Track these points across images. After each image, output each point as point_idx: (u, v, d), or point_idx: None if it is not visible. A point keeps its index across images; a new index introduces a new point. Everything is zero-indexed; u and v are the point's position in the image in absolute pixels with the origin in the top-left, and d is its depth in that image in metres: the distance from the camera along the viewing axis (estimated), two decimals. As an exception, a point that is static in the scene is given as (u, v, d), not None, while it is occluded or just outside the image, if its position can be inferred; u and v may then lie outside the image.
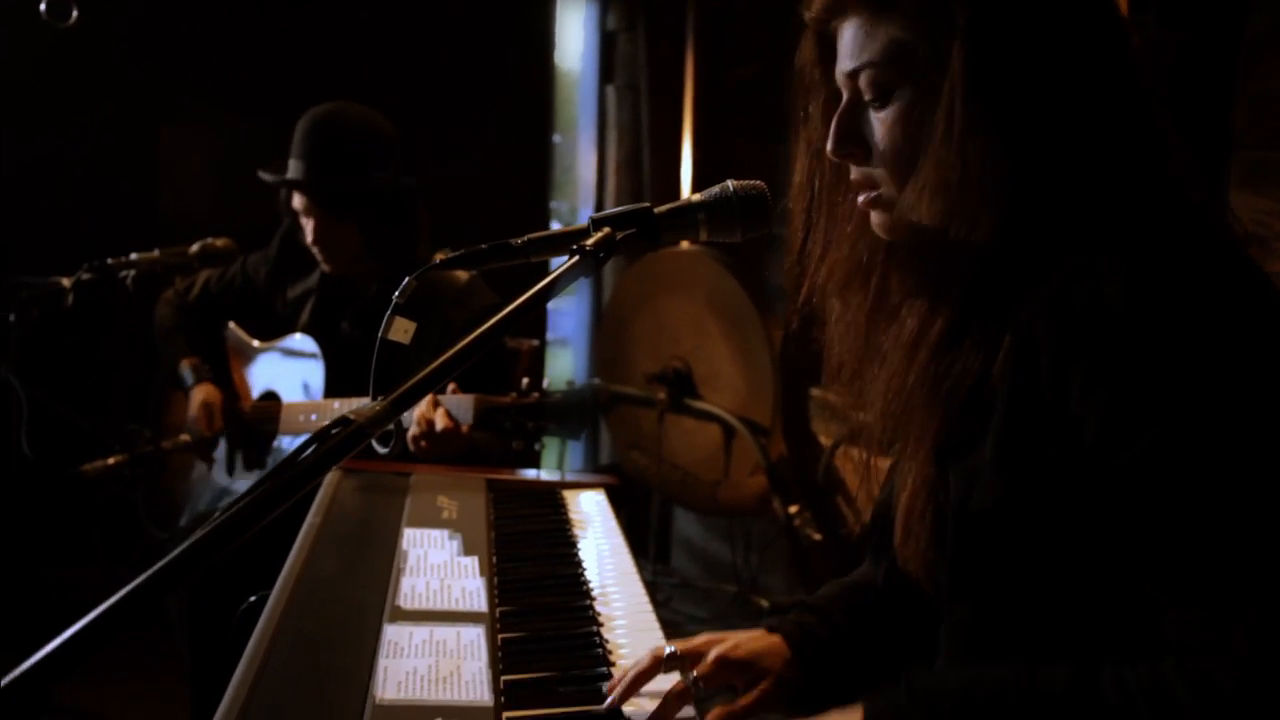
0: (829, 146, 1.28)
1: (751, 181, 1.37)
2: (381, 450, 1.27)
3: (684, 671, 1.43)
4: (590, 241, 1.31)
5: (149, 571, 0.90)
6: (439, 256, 2.87)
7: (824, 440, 3.64)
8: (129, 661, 3.88)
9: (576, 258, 1.29)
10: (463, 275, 2.88)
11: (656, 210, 1.36)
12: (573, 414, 2.40)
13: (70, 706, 3.54)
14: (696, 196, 1.38)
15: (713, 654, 1.44)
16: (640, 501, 4.50)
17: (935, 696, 1.14)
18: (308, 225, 2.80)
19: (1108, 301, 1.09)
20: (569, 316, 5.20)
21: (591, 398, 3.48)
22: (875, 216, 1.30)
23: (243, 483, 2.98)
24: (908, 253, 1.26)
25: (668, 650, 1.43)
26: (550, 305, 5.12)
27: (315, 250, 2.82)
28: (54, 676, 0.82)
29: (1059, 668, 1.10)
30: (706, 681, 1.41)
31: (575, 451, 4.82)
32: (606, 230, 1.33)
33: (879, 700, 1.17)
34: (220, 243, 2.95)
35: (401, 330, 1.36)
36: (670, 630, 1.57)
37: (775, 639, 1.49)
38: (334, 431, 1.03)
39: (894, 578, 1.41)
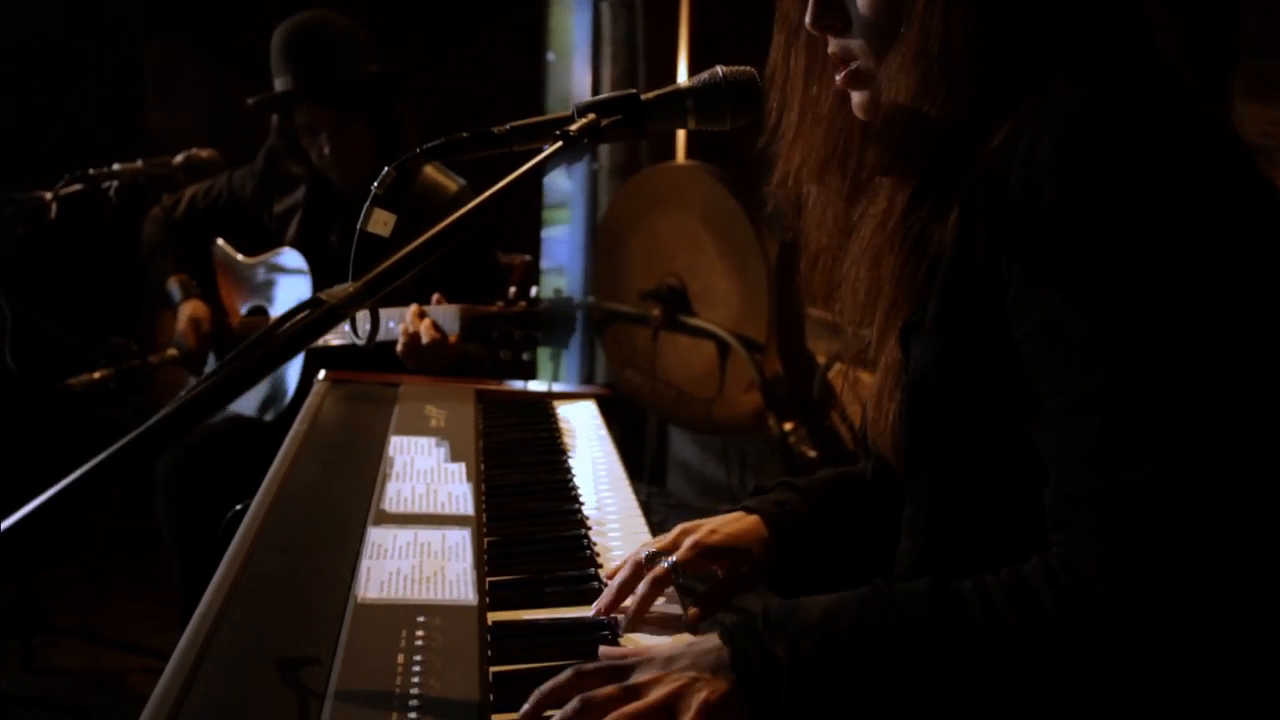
0: (808, 18, 1.24)
1: (741, 67, 1.33)
2: (359, 341, 1.24)
3: (663, 556, 1.40)
4: (574, 127, 1.27)
5: (123, 440, 0.87)
6: (429, 169, 2.84)
7: (819, 357, 3.61)
8: (125, 582, 3.92)
9: (560, 143, 1.25)
10: (453, 186, 2.85)
11: (644, 96, 1.32)
12: (560, 322, 2.37)
13: (68, 626, 3.55)
14: (685, 83, 1.34)
15: (689, 541, 1.41)
16: (636, 423, 4.48)
17: (794, 624, 1.07)
18: (320, 140, 2.77)
19: (1039, 157, 1.05)
20: (563, 244, 5.15)
21: (578, 307, 3.45)
22: (855, 97, 1.27)
23: (236, 402, 2.95)
24: (883, 127, 1.22)
25: (645, 553, 1.40)
26: (545, 232, 5.13)
27: (332, 162, 2.78)
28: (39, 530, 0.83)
29: (919, 583, 1.07)
30: (687, 568, 1.39)
31: (570, 373, 4.79)
32: (591, 116, 1.29)
33: (737, 629, 1.10)
34: (205, 153, 2.90)
35: (381, 222, 1.32)
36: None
37: (753, 519, 1.46)
38: (306, 312, 0.99)
39: (883, 470, 1.38)
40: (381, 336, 2.53)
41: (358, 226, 1.31)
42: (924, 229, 1.19)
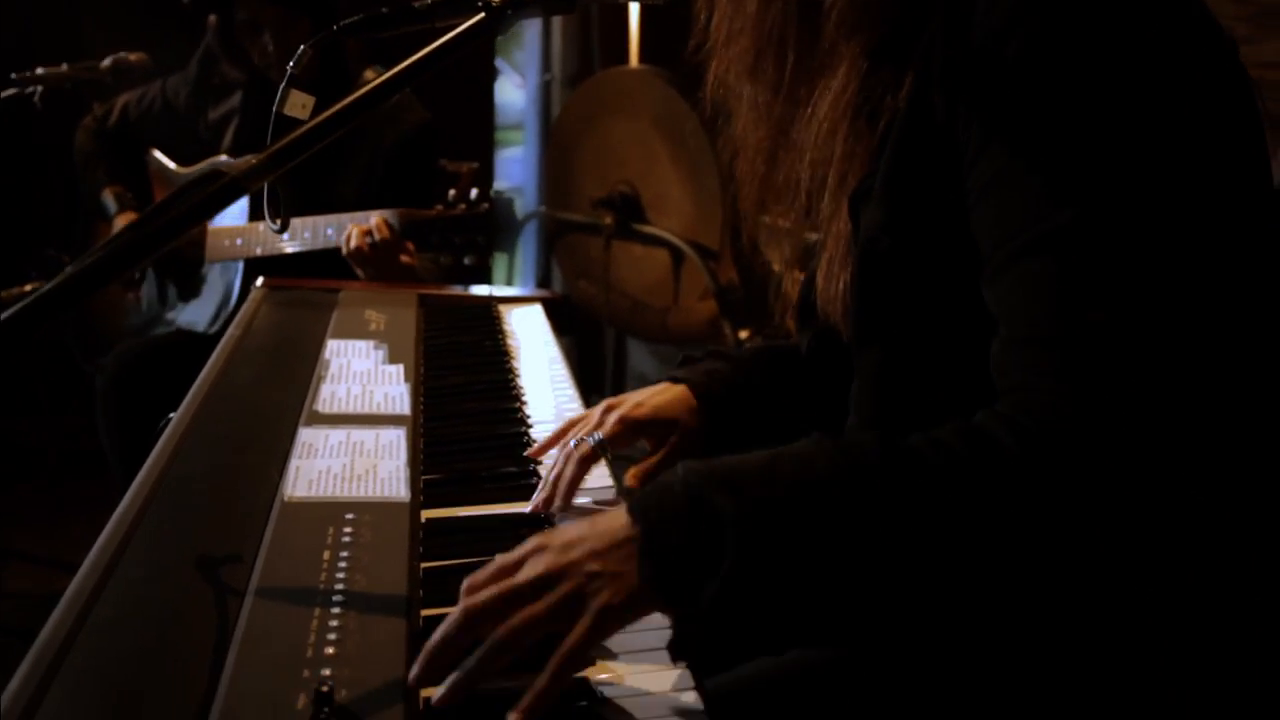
0: None
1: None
2: (274, 228, 1.19)
3: (589, 434, 1.37)
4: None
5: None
6: (369, 73, 2.75)
7: (774, 264, 3.56)
8: (77, 505, 3.86)
9: (482, 14, 1.18)
10: (394, 91, 2.76)
11: (571, -36, 1.26)
12: (501, 224, 2.31)
13: (19, 550, 3.50)
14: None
15: (614, 416, 1.38)
16: (594, 337, 4.43)
17: (728, 480, 0.94)
18: (263, 38, 2.67)
19: (1001, 9, 1.01)
20: (518, 163, 5.06)
21: (532, 215, 3.38)
22: None
23: (175, 312, 2.88)
24: None
25: (573, 440, 1.36)
26: (499, 153, 5.03)
27: (275, 62, 2.69)
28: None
29: (865, 435, 1.00)
30: (615, 444, 1.36)
31: (525, 285, 4.73)
32: (516, -14, 1.22)
33: (647, 501, 0.96)
34: (134, 57, 2.80)
35: (299, 104, 1.25)
36: (624, 464, 1.48)
37: (680, 389, 1.42)
38: (207, 187, 0.93)
39: (818, 345, 1.34)
40: (319, 244, 2.47)
41: (273, 109, 1.25)
42: (879, 95, 1.14)
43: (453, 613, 0.96)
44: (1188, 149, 0.98)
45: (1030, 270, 0.99)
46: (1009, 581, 0.96)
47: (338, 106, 1.04)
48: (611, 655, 1.05)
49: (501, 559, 0.99)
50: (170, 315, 2.90)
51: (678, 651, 0.98)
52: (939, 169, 1.07)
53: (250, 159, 0.96)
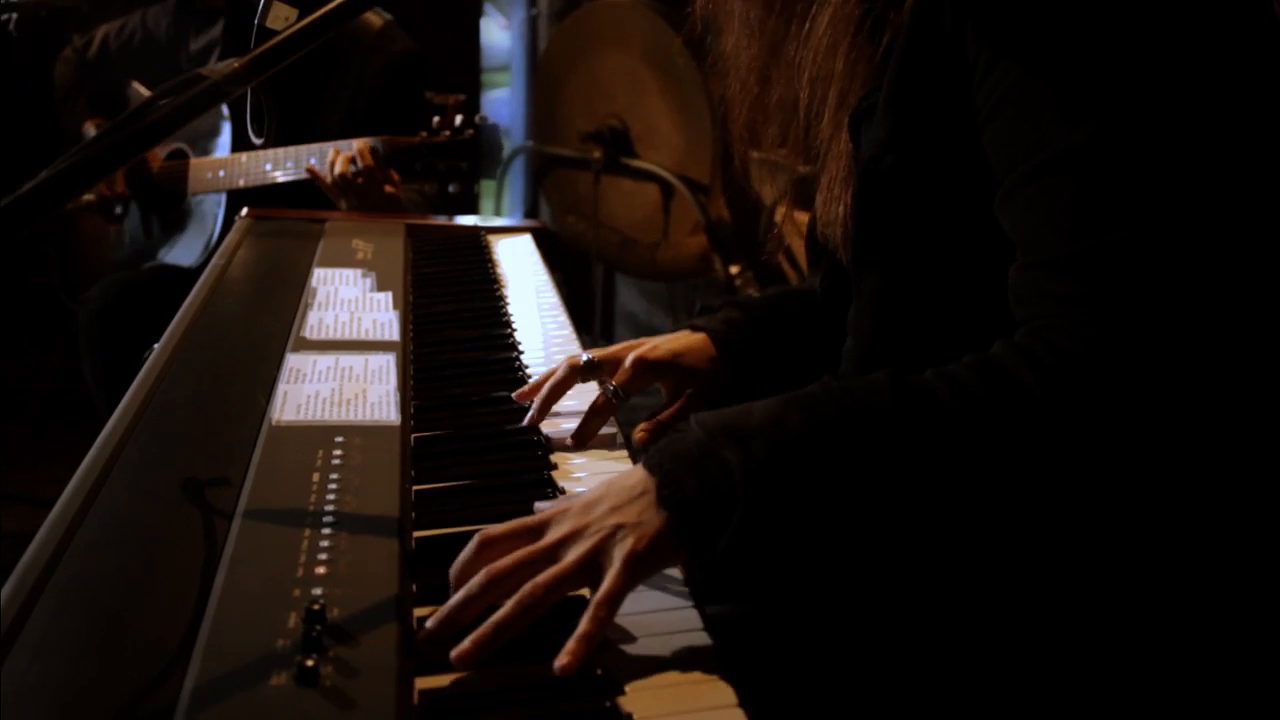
0: None
1: None
2: (257, 141, 1.15)
3: (601, 381, 1.34)
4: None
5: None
6: None
7: (766, 199, 3.52)
8: (62, 446, 3.83)
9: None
10: (377, 20, 2.71)
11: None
12: (486, 151, 2.28)
13: (5, 490, 3.48)
14: None
15: (630, 357, 1.35)
16: (583, 275, 4.40)
17: (735, 431, 0.92)
18: None
19: None
20: (505, 105, 5.00)
21: (524, 148, 3.33)
22: None
23: (160, 248, 2.84)
24: None
25: (584, 358, 1.34)
26: (486, 95, 4.96)
27: None
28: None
29: (875, 375, 0.96)
30: (627, 388, 1.32)
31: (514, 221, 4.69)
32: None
33: (661, 456, 0.94)
34: (113, -14, 2.74)
35: (281, 17, 1.21)
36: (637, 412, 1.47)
37: (699, 337, 1.39)
38: (188, 90, 0.90)
39: (831, 284, 1.31)
40: (303, 174, 2.43)
41: (255, 21, 1.21)
42: (882, 9, 1.11)
43: (472, 573, 0.93)
44: (1206, 62, 0.95)
45: (1046, 191, 0.95)
46: (1029, 522, 0.93)
47: (320, 12, 1.00)
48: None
49: (519, 522, 0.97)
50: (155, 250, 2.86)
51: (701, 592, 0.98)
52: (945, 85, 1.04)
53: (232, 62, 0.93)
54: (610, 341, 4.72)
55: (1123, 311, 0.89)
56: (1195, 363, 0.88)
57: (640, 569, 0.91)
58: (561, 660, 0.87)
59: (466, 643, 0.89)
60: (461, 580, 0.94)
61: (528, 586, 0.90)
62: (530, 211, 4.53)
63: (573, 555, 0.92)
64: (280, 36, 0.96)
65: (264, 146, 1.06)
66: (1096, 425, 0.89)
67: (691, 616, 0.97)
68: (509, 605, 0.90)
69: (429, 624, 0.92)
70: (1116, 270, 0.89)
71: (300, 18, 1.14)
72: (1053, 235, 0.94)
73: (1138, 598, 1.03)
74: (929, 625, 1.09)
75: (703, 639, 0.94)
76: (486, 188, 4.43)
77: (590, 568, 0.91)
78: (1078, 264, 0.91)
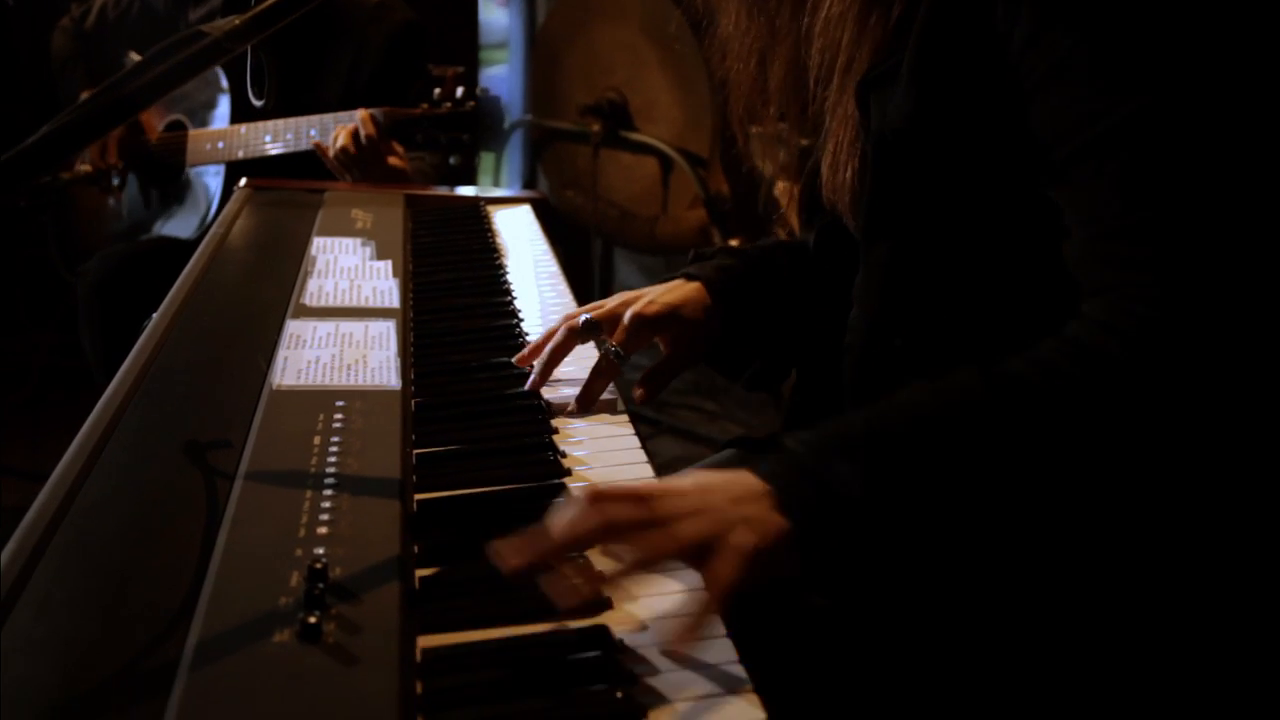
0: None
1: None
2: (257, 103, 1.15)
3: (599, 342, 1.34)
4: None
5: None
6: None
7: (766, 172, 3.51)
8: (61, 420, 3.83)
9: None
10: (376, -12, 2.70)
11: None
12: (487, 122, 2.27)
13: (7, 465, 3.48)
14: None
15: (628, 315, 1.34)
16: (581, 250, 4.39)
17: (841, 443, 0.92)
18: None
19: None
20: (503, 81, 4.97)
21: (522, 122, 3.32)
22: None
23: (159, 221, 2.83)
24: None
25: (582, 319, 1.34)
26: (484, 73, 4.94)
27: None
28: None
29: (960, 371, 0.95)
30: (626, 347, 1.32)
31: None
32: None
33: (774, 465, 0.93)
34: (108, -47, 2.72)
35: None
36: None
37: (694, 286, 1.38)
38: (189, 46, 0.89)
39: (825, 241, 1.31)
40: (302, 146, 2.42)
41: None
42: None
43: (590, 518, 0.89)
44: (1256, 27, 0.94)
45: (1105, 162, 0.94)
46: (1137, 488, 0.93)
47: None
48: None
49: (633, 485, 0.95)
50: (153, 222, 2.85)
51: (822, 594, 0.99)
52: (971, 57, 1.02)
53: (233, 19, 0.92)
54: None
55: (1198, 274, 0.88)
56: (1266, 316, 0.88)
57: (758, 564, 0.88)
58: (676, 638, 0.86)
59: (570, 587, 0.89)
60: (563, 521, 0.90)
61: (647, 548, 0.88)
62: (529, 185, 4.52)
63: (690, 530, 0.89)
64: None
65: (264, 109, 1.06)
66: (1185, 384, 0.88)
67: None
68: (630, 560, 0.89)
69: (514, 556, 0.88)
70: (1181, 233, 0.89)
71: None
72: (1116, 205, 0.93)
73: (1162, 590, 1.03)
74: (946, 620, 1.08)
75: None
76: (485, 162, 4.42)
77: (704, 548, 0.88)
78: (1143, 230, 0.90)
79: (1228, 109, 0.91)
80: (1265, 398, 0.89)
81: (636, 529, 0.89)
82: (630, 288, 4.30)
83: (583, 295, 4.42)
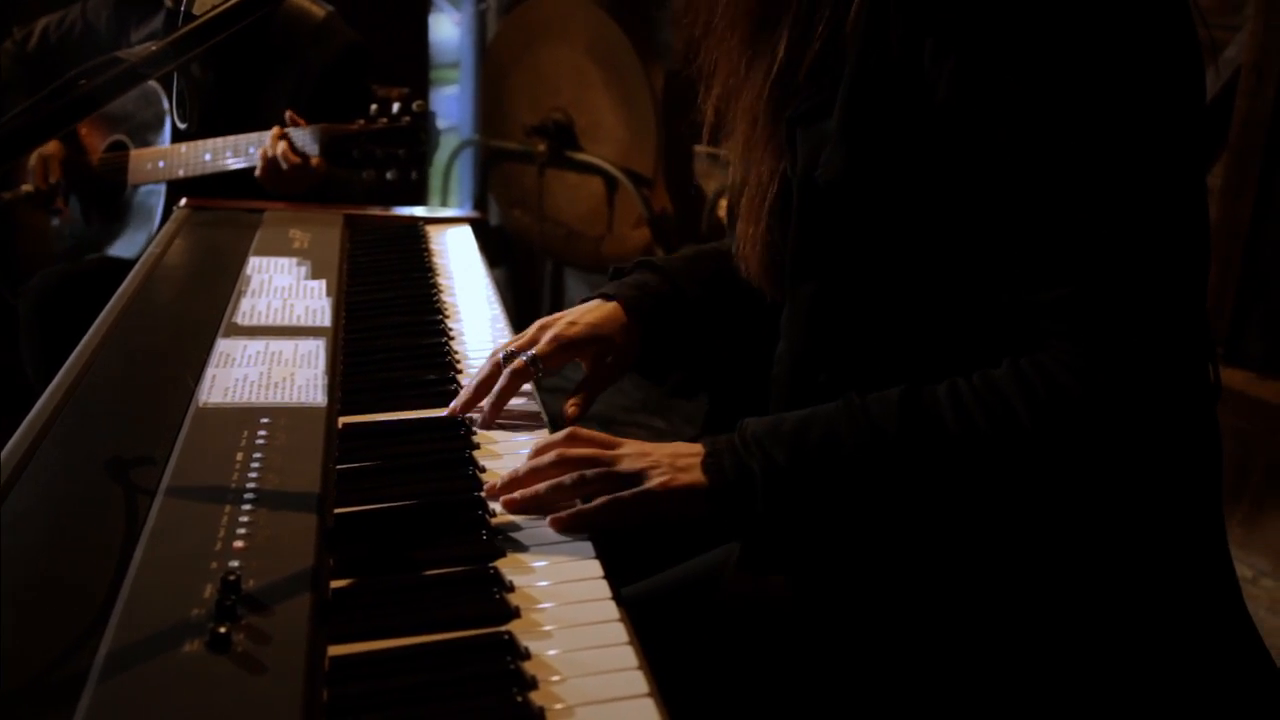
0: None
1: None
2: (181, 126, 1.17)
3: (524, 352, 1.36)
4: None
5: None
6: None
7: (707, 191, 3.56)
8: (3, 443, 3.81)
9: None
10: (319, 12, 2.72)
11: None
12: (423, 138, 2.29)
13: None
14: None
15: (547, 335, 1.36)
16: (531, 268, 4.41)
17: (770, 438, 1.07)
18: None
19: None
20: (455, 100, 5.00)
21: (462, 134, 3.33)
22: None
23: (106, 242, 2.84)
24: None
25: (503, 353, 1.36)
26: (437, 91, 4.96)
27: None
28: None
29: (891, 393, 1.05)
30: (547, 362, 1.34)
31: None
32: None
33: (719, 441, 1.10)
34: (48, -25, 2.73)
35: (209, 3, 1.23)
36: (561, 395, 1.48)
37: (611, 306, 1.41)
38: (104, 72, 0.91)
39: None
40: (245, 163, 2.44)
41: (180, 8, 1.22)
42: (818, 28, 1.11)
43: (550, 452, 1.14)
44: (1163, 95, 0.99)
45: (1040, 231, 1.00)
46: (1012, 528, 1.07)
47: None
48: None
49: (604, 435, 1.17)
50: (97, 242, 2.85)
51: (741, 563, 1.17)
52: (899, 105, 1.05)
53: (150, 45, 0.95)
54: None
55: (1114, 348, 0.97)
56: (1171, 396, 0.98)
57: (667, 496, 1.09)
58: (552, 520, 1.09)
59: (517, 494, 1.11)
60: (539, 453, 1.15)
61: (592, 471, 1.11)
62: (479, 205, 4.54)
63: (628, 465, 1.12)
64: (198, 21, 0.97)
65: (188, 132, 1.08)
66: (1079, 456, 0.99)
67: (602, 590, 1.02)
68: (570, 476, 1.11)
69: (497, 482, 1.14)
70: (1109, 311, 0.97)
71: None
72: (1051, 269, 0.99)
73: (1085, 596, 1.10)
74: (901, 621, 1.14)
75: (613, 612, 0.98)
76: (434, 181, 4.44)
77: (635, 478, 1.10)
78: (1074, 303, 0.98)
79: (1157, 199, 0.97)
80: (1141, 469, 1.01)
81: (583, 461, 1.12)
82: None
83: (532, 314, 4.43)
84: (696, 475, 1.09)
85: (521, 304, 4.40)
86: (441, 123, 4.96)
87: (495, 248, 4.20)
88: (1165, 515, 1.09)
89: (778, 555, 1.12)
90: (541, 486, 1.11)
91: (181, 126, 1.14)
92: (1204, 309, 1.02)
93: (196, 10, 1.20)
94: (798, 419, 1.08)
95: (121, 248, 2.78)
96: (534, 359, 1.33)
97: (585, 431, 1.16)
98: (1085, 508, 1.05)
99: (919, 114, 1.04)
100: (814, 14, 1.12)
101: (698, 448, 1.11)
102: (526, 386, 1.36)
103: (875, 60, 1.06)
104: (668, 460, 1.11)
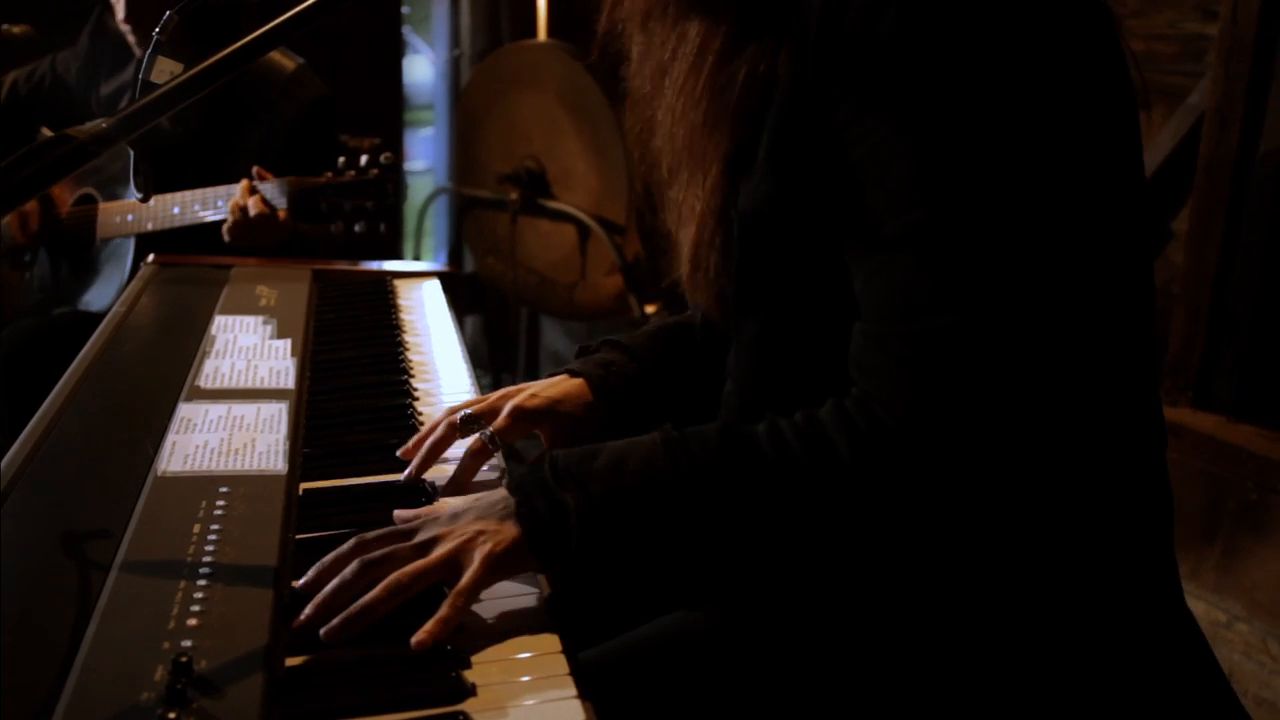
0: None
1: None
2: (138, 195, 1.17)
3: (481, 430, 1.36)
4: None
5: None
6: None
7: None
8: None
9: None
10: (289, 64, 2.72)
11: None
12: (390, 190, 2.29)
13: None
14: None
15: (507, 407, 1.37)
16: (506, 316, 4.41)
17: (582, 470, 1.05)
18: (118, 3, 2.60)
19: (876, 23, 0.99)
20: (429, 142, 5.01)
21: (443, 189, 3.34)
22: None
23: (77, 295, 2.82)
24: None
25: (461, 415, 1.35)
26: (412, 134, 4.97)
27: (128, 32, 2.62)
28: None
29: (710, 426, 1.06)
30: (504, 435, 1.34)
31: (437, 263, 4.69)
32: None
33: (524, 479, 1.07)
34: (17, 29, 2.74)
35: (166, 71, 1.23)
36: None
37: (577, 382, 1.42)
38: (53, 151, 0.91)
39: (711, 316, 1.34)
40: (214, 216, 2.44)
41: (139, 76, 1.22)
42: (747, 67, 1.13)
43: (351, 563, 1.05)
44: (1054, 144, 0.98)
45: (885, 265, 1.01)
46: (838, 556, 1.03)
47: (193, 70, 1.02)
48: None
49: (390, 528, 1.10)
50: (66, 296, 2.84)
51: (552, 607, 1.08)
52: (818, 141, 1.06)
53: (100, 122, 0.94)
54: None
55: (939, 395, 0.96)
56: (998, 447, 0.96)
57: (496, 568, 1.04)
58: (419, 637, 0.98)
59: (337, 621, 1.00)
60: (334, 571, 1.05)
61: (396, 574, 1.02)
62: (453, 253, 4.54)
63: (438, 552, 1.05)
64: (151, 96, 0.97)
65: (144, 199, 1.09)
66: (895, 492, 0.98)
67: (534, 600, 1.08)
68: (378, 589, 1.02)
69: (306, 610, 1.02)
70: (935, 354, 0.96)
71: (186, 69, 1.15)
72: (887, 311, 1.00)
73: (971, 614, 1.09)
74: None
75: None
76: (408, 228, 4.44)
77: (453, 564, 1.04)
78: (905, 345, 0.98)
79: (999, 233, 0.96)
80: (981, 510, 0.99)
81: (389, 562, 1.04)
82: (557, 352, 4.33)
83: (508, 362, 4.40)
84: (511, 530, 1.05)
85: (497, 351, 4.40)
86: (417, 164, 4.98)
87: (470, 295, 4.20)
88: (1104, 554, 1.08)
89: (592, 592, 1.13)
90: (358, 608, 1.01)
91: (138, 197, 1.14)
92: (1129, 352, 1.03)
93: (155, 78, 1.19)
94: (612, 451, 1.07)
95: (92, 299, 2.77)
96: (492, 437, 1.33)
97: (369, 534, 1.09)
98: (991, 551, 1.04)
99: (832, 149, 1.06)
100: (758, 58, 1.13)
101: (504, 494, 1.08)
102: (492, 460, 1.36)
103: (797, 98, 1.08)
104: (480, 524, 1.06)
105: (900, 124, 0.99)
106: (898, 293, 0.99)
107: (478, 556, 1.03)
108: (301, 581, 1.07)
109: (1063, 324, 0.97)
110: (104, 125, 0.94)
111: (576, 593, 1.09)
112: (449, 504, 1.13)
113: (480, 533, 1.05)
